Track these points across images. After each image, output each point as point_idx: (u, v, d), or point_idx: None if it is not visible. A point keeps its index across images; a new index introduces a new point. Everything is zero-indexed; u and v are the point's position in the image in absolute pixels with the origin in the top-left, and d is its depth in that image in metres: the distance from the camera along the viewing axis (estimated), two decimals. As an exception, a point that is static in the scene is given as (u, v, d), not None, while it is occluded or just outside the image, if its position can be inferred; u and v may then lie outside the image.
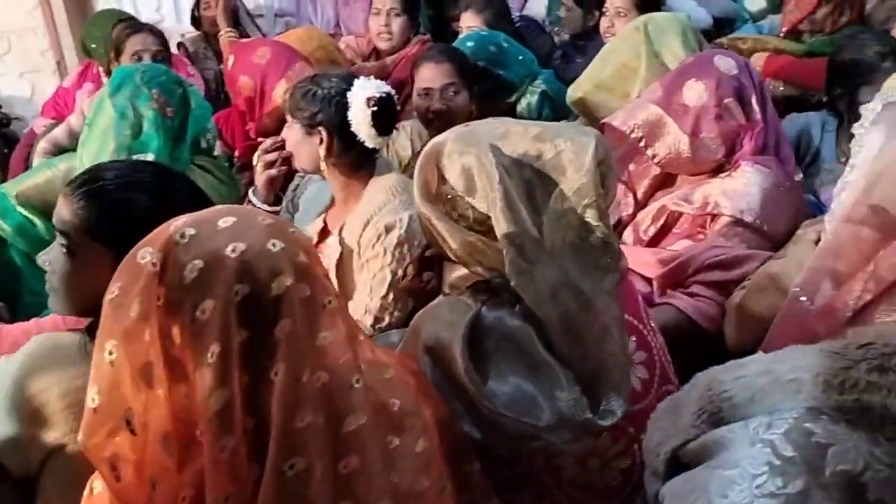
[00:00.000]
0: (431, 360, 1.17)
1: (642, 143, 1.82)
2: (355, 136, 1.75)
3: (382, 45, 3.06)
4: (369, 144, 1.77)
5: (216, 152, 2.31)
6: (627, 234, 1.93)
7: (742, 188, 1.75)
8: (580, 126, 1.24)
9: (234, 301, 0.89)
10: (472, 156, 1.17)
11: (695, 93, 1.79)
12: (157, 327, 0.89)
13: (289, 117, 1.84)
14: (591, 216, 1.13)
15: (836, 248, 0.86)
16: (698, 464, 0.81)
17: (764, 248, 1.68)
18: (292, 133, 1.84)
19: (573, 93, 2.41)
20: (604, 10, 2.92)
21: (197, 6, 3.51)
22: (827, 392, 0.74)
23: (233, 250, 0.90)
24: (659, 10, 2.77)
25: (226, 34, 3.33)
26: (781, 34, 3.04)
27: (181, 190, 1.27)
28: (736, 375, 0.81)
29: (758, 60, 2.84)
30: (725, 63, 1.82)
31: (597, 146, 1.16)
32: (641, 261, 1.79)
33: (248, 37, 3.40)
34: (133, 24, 2.81)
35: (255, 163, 1.88)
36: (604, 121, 1.92)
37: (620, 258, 1.19)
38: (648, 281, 1.77)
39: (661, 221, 1.84)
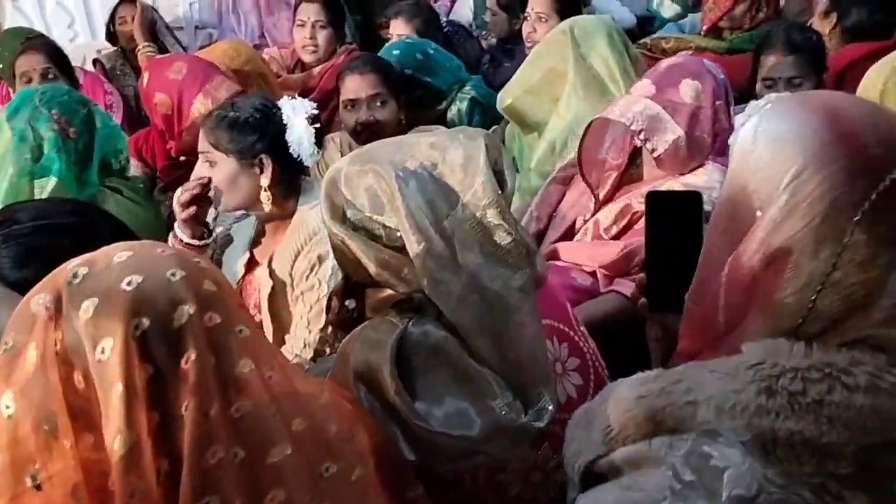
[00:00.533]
0: (364, 386, 1.14)
1: (641, 136, 1.82)
2: (292, 158, 1.70)
3: (307, 57, 3.01)
4: (308, 163, 1.72)
5: (133, 173, 2.22)
6: (585, 232, 1.93)
7: (703, 183, 1.79)
8: (472, 130, 1.25)
9: (134, 336, 0.84)
10: (370, 174, 1.16)
11: (692, 91, 1.81)
12: (57, 374, 0.84)
13: (213, 154, 1.68)
14: (492, 216, 1.13)
15: (704, 254, 0.87)
16: (612, 477, 0.82)
17: None
18: (222, 170, 1.68)
19: (503, 98, 2.42)
20: (524, 14, 2.93)
21: (112, 21, 3.38)
22: (719, 417, 0.74)
23: (128, 283, 0.85)
24: (579, 13, 2.80)
25: (144, 49, 3.22)
26: (702, 32, 3.11)
27: (104, 230, 1.21)
28: (637, 394, 0.81)
29: (681, 59, 2.89)
30: (713, 67, 1.88)
31: (488, 148, 1.16)
32: (588, 254, 1.81)
33: (168, 51, 3.29)
34: (23, 45, 2.66)
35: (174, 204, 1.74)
36: (599, 115, 1.92)
37: (531, 254, 1.19)
38: (594, 275, 1.79)
39: (625, 221, 1.86)
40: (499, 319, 1.12)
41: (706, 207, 1.72)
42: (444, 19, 3.63)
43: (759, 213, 0.78)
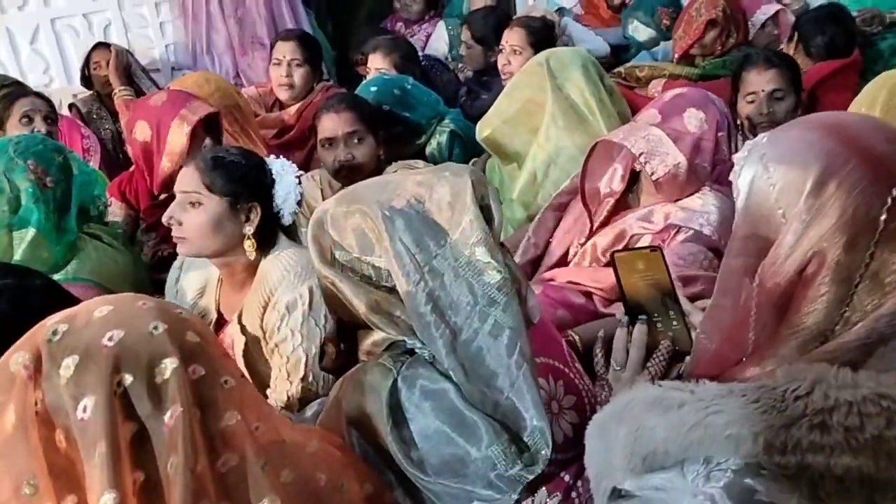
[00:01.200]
0: (357, 432, 1.12)
1: (642, 158, 1.83)
2: (273, 212, 1.70)
3: (283, 95, 3.00)
4: (287, 221, 1.73)
5: (112, 217, 2.18)
6: (583, 255, 1.94)
7: (700, 207, 1.82)
8: (458, 166, 1.23)
9: (116, 393, 0.83)
10: (357, 214, 1.15)
11: (696, 120, 1.84)
12: (38, 435, 0.82)
13: (202, 195, 1.63)
14: (480, 254, 1.12)
15: (720, 286, 0.88)
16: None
17: (717, 265, 1.73)
18: (208, 211, 1.63)
19: (482, 129, 2.42)
20: (499, 47, 2.96)
21: (86, 66, 3.37)
22: (769, 453, 0.72)
23: (109, 339, 0.84)
24: (553, 45, 2.83)
25: (120, 93, 3.20)
26: (674, 60, 3.15)
27: (38, 290, 1.19)
28: (668, 424, 0.78)
29: (656, 86, 2.93)
30: (717, 99, 1.91)
31: (474, 184, 1.15)
32: (587, 276, 1.82)
33: (145, 94, 3.28)
34: (17, 90, 2.65)
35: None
36: (603, 138, 1.94)
37: (522, 291, 1.17)
38: (589, 295, 1.79)
39: (622, 245, 1.87)
40: (489, 363, 1.09)
41: (704, 231, 1.80)
42: (420, 53, 3.65)
43: (783, 220, 0.80)
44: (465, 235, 1.12)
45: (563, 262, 1.99)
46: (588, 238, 1.95)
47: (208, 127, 2.32)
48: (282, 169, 1.71)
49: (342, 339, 1.21)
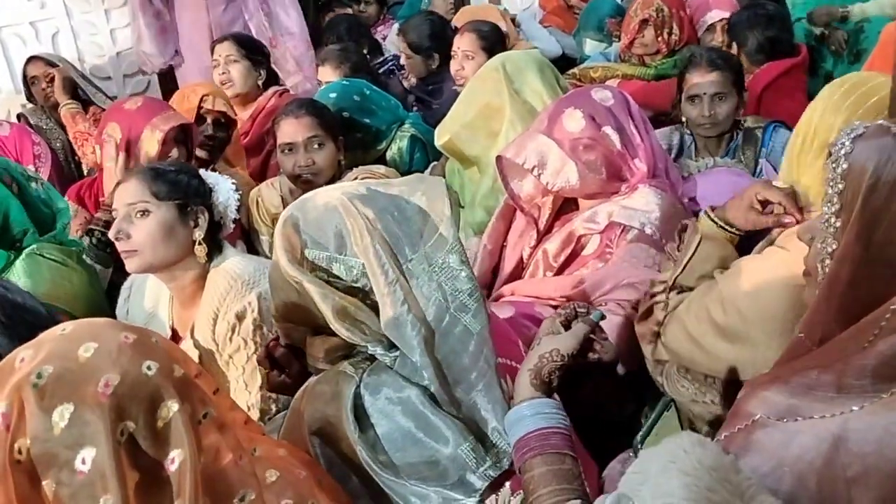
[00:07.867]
0: (321, 442, 1.12)
1: (535, 172, 1.85)
2: (215, 220, 1.71)
3: (227, 92, 2.97)
4: (229, 228, 1.74)
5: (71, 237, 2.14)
6: (536, 265, 1.94)
7: (642, 206, 1.83)
8: (429, 177, 1.27)
9: (120, 442, 0.80)
10: (335, 213, 1.15)
11: (574, 121, 1.84)
12: (15, 488, 0.78)
13: (150, 203, 1.61)
14: (453, 262, 1.15)
15: (837, 289, 0.83)
16: None
17: (664, 262, 1.76)
18: (157, 218, 1.61)
19: (440, 136, 2.42)
20: (452, 53, 2.97)
21: (25, 80, 3.28)
22: None
23: (105, 385, 0.81)
24: (504, 50, 2.85)
25: (65, 107, 3.14)
26: (620, 59, 3.22)
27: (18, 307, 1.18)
28: None
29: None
30: (601, 94, 1.90)
31: (449, 195, 1.18)
32: (552, 286, 1.82)
33: (93, 103, 3.22)
34: None
35: None
36: (499, 153, 1.96)
37: (485, 299, 1.19)
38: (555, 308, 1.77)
39: (571, 247, 1.88)
40: (459, 364, 1.12)
41: (646, 230, 1.81)
42: (390, 55, 3.63)
43: None
44: (440, 243, 1.15)
45: (519, 268, 1.99)
46: (538, 244, 1.96)
47: (179, 138, 2.30)
48: (216, 178, 1.74)
49: (291, 360, 1.22)
